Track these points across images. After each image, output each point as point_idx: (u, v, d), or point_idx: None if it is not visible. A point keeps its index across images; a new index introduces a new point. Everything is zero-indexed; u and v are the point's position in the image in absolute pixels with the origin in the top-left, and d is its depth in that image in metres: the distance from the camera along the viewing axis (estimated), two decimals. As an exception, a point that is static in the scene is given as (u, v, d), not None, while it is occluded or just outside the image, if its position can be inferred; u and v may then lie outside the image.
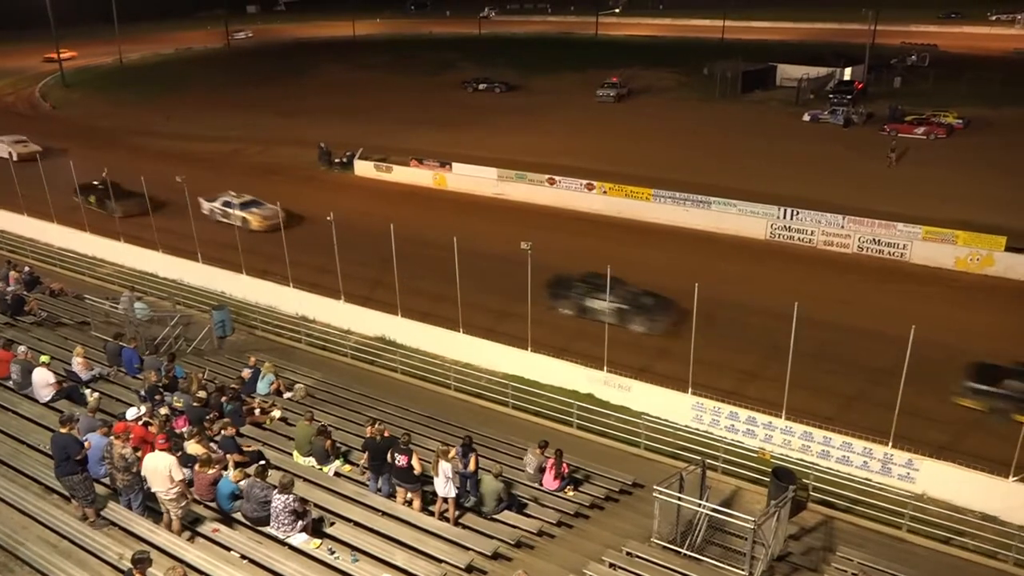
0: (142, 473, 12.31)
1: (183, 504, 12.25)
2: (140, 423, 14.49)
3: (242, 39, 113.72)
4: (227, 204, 34.97)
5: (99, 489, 12.75)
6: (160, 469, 12.02)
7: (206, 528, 12.49)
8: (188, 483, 13.03)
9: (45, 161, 42.00)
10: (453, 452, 14.67)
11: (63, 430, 12.30)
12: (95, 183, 35.54)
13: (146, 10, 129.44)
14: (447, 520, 14.10)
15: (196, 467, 13.34)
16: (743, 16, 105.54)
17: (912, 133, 49.10)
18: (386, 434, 14.96)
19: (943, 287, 28.55)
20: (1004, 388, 20.04)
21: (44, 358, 17.47)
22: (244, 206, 35.28)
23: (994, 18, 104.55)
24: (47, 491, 13.17)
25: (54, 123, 62.72)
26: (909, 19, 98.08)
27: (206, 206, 35.53)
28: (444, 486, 13.94)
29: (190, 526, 12.50)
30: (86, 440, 12.75)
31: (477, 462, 15.06)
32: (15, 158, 46.67)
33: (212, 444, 14.91)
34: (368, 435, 15.14)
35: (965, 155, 44.53)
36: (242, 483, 13.14)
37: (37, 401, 16.69)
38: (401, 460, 14.10)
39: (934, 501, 17.01)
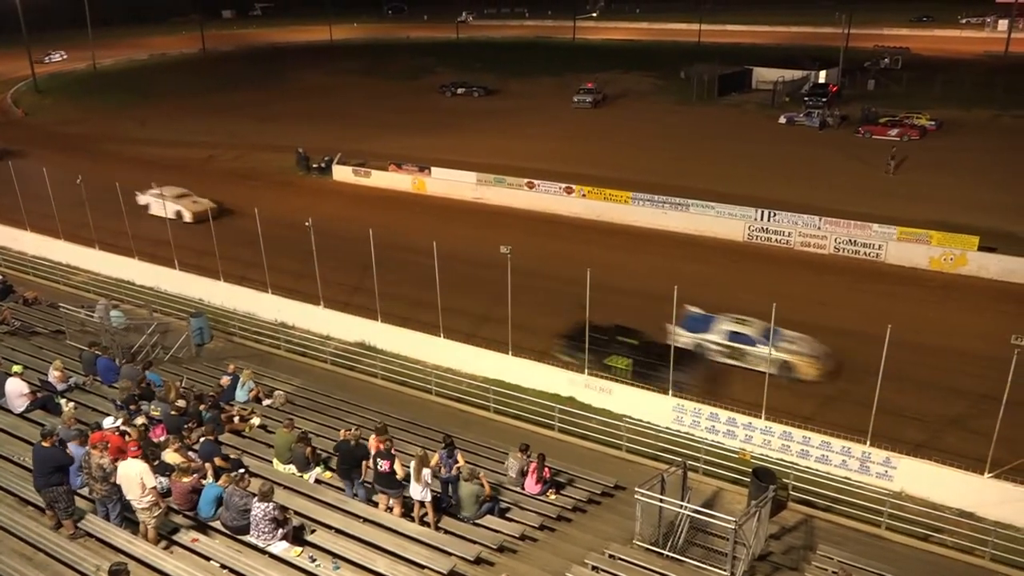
0: (118, 482, 12.16)
1: (156, 514, 12.09)
2: (116, 432, 14.30)
3: (57, 62, 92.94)
4: (736, 337, 22.84)
5: (78, 501, 12.56)
6: (132, 476, 11.91)
7: (185, 538, 12.35)
8: (164, 493, 12.90)
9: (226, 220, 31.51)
10: (436, 459, 14.61)
11: (45, 443, 12.09)
12: (619, 332, 23.37)
13: (120, 16, 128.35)
14: (427, 525, 14.04)
15: (173, 476, 13.18)
16: (719, 20, 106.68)
17: (886, 135, 49.68)
18: (371, 441, 14.88)
19: (918, 287, 28.89)
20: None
21: (16, 368, 17.20)
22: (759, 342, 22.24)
23: (964, 21, 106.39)
24: (22, 503, 12.96)
25: (25, 129, 61.88)
26: (882, 23, 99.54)
27: (685, 336, 23.09)
28: (421, 491, 13.88)
29: (168, 536, 12.36)
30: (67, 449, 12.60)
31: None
32: (188, 218, 36.24)
33: (190, 453, 14.74)
34: (341, 438, 15.03)
35: (938, 156, 45.15)
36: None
37: (11, 412, 16.42)
38: (383, 465, 14.02)
39: (912, 499, 17.15)
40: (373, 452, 14.58)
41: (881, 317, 18.34)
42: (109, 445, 12.82)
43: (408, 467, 14.10)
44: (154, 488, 12.06)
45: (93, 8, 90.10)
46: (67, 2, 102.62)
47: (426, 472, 13.79)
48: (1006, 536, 15.74)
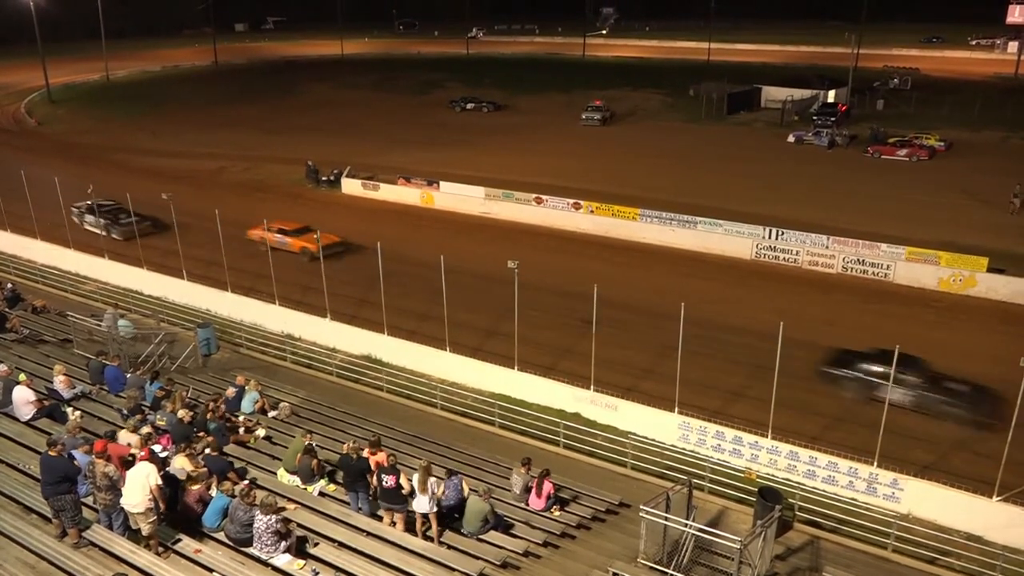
0: (123, 487, 12.15)
1: (152, 519, 12.07)
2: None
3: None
4: None
5: (84, 510, 12.56)
6: (139, 476, 11.96)
7: (188, 549, 12.33)
8: (169, 500, 12.86)
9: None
10: (442, 487, 14.51)
11: (51, 452, 12.10)
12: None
13: (133, 28, 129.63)
14: (430, 539, 13.97)
15: (182, 484, 13.17)
16: (728, 38, 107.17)
17: (895, 155, 49.72)
18: (364, 453, 14.85)
19: (926, 307, 28.75)
20: None
21: (21, 376, 17.25)
22: None
23: (975, 43, 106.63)
24: (26, 511, 12.96)
25: (38, 139, 62.41)
26: (891, 43, 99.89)
27: None
28: (427, 503, 13.83)
29: (172, 547, 12.33)
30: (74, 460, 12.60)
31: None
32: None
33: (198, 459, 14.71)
34: (344, 452, 15.00)
35: (948, 177, 45.06)
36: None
37: (17, 419, 16.46)
38: (389, 480, 13.97)
39: (919, 521, 17.02)
40: (373, 465, 14.55)
41: (888, 337, 18.29)
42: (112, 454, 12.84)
43: (412, 481, 14.06)
44: (158, 486, 12.08)
45: (107, 20, 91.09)
46: (81, 14, 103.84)
47: (432, 482, 13.73)
48: (1014, 560, 15.60)
